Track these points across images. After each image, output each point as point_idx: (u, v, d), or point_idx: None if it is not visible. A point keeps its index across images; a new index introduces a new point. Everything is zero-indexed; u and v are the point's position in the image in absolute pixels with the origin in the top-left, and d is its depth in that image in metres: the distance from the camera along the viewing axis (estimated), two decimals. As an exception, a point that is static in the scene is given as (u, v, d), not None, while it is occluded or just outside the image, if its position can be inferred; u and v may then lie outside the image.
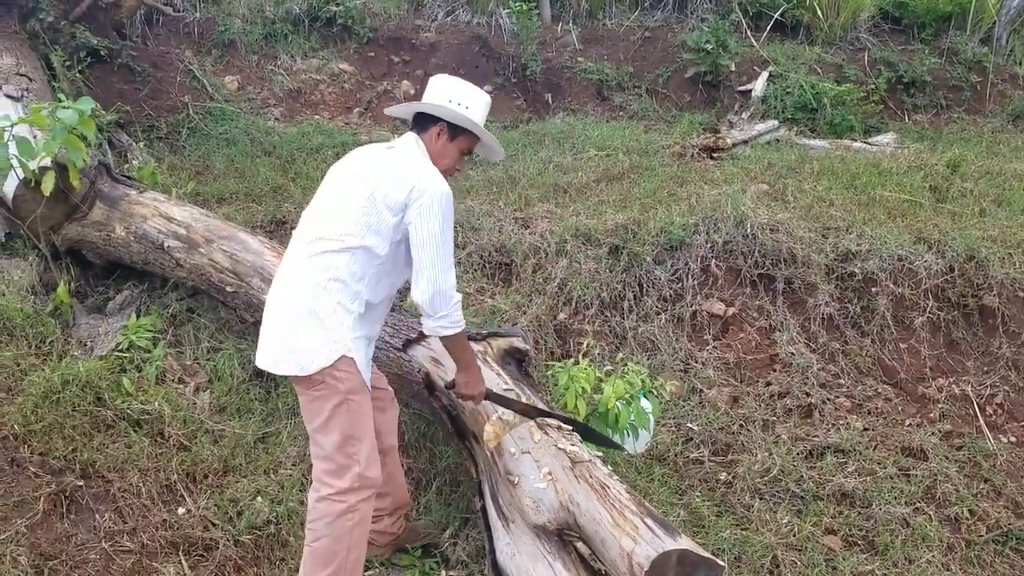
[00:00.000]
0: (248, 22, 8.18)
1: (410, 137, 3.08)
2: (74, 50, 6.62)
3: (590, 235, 5.10)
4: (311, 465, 3.02)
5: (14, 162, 4.26)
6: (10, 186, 4.54)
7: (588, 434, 3.32)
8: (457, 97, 3.04)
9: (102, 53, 6.84)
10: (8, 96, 5.30)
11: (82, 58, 6.64)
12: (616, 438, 3.67)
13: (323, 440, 2.89)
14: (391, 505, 3.36)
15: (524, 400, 3.25)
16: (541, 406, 3.29)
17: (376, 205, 2.86)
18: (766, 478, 3.99)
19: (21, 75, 5.63)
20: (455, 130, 3.06)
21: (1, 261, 4.81)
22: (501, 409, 3.21)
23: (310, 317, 2.82)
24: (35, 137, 4.50)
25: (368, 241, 2.85)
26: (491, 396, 3.22)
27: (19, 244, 4.91)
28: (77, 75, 6.43)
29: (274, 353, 2.89)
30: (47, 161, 4.35)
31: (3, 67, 5.62)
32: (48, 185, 4.27)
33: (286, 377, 3.05)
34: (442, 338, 3.00)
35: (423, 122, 3.08)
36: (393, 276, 3.00)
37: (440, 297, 2.87)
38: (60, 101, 4.41)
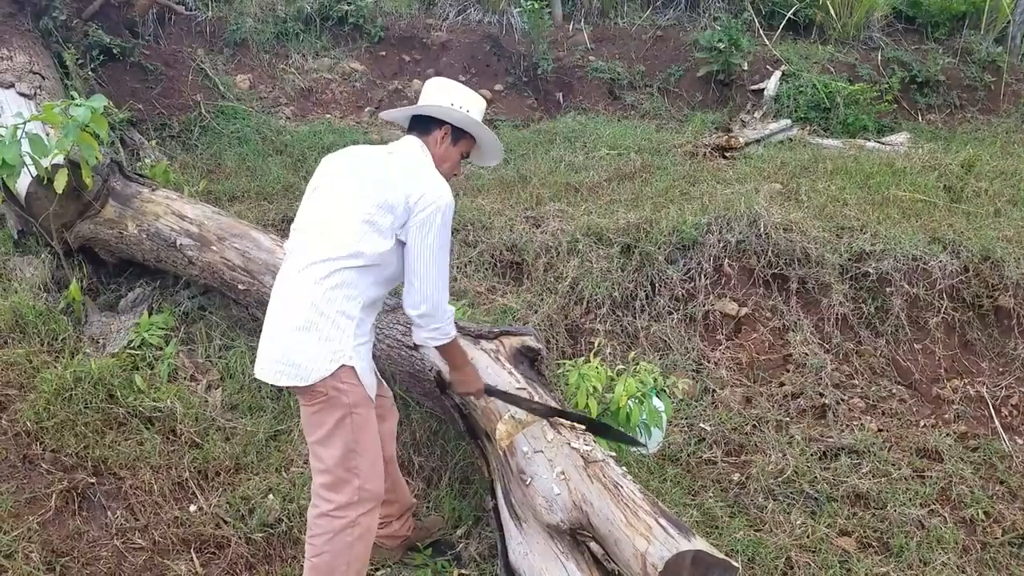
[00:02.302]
0: (260, 21, 8.19)
1: (412, 141, 3.02)
2: (87, 48, 6.64)
3: (602, 234, 5.08)
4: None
5: (27, 160, 4.27)
6: (23, 184, 4.55)
7: (601, 431, 3.29)
8: (459, 100, 3.02)
9: (115, 51, 6.86)
10: (21, 94, 5.32)
11: (95, 56, 6.67)
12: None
13: (324, 453, 2.84)
14: (398, 510, 3.35)
15: (536, 399, 3.23)
16: (553, 404, 3.26)
17: (381, 212, 2.80)
18: (780, 479, 3.97)
19: (34, 73, 5.64)
20: (457, 133, 3.05)
21: (14, 259, 4.83)
22: (514, 408, 3.20)
23: (311, 328, 2.76)
24: (48, 135, 4.51)
25: (372, 247, 2.79)
26: (493, 392, 3.20)
27: (32, 242, 4.93)
28: (90, 73, 6.45)
29: (274, 365, 2.83)
30: (60, 159, 4.36)
31: (16, 65, 5.64)
32: (61, 183, 4.27)
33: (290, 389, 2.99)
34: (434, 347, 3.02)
35: (424, 125, 3.04)
36: (392, 280, 2.94)
37: (433, 312, 2.86)
38: (73, 99, 4.42)
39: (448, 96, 3.03)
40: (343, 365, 2.77)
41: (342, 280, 2.78)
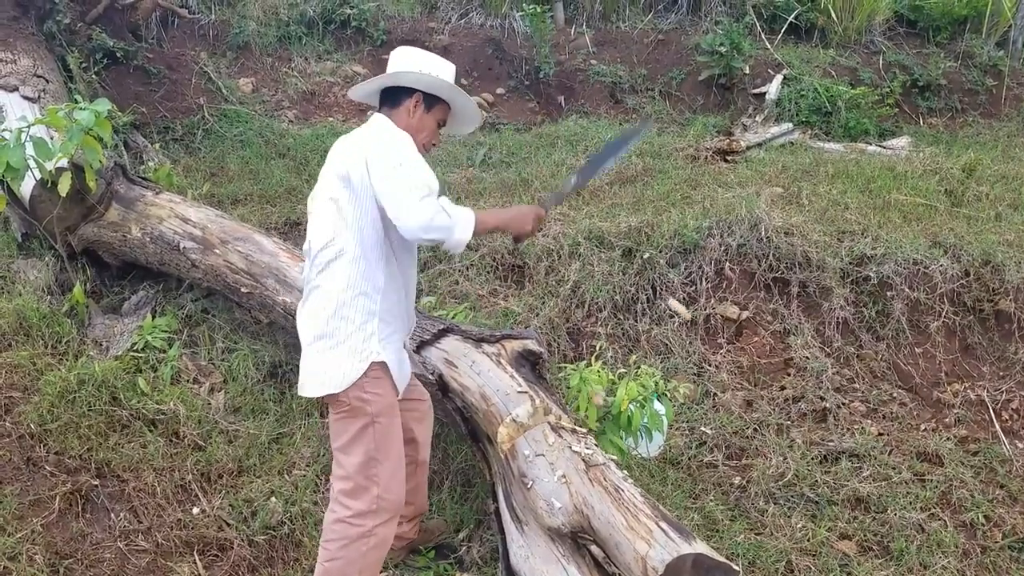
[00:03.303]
0: (262, 24, 8.21)
1: (378, 116, 2.94)
2: (90, 52, 6.66)
3: (603, 238, 5.10)
4: (326, 468, 3.02)
5: (31, 163, 4.29)
6: (27, 187, 4.57)
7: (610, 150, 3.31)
8: (427, 66, 2.92)
9: (118, 55, 6.88)
10: (25, 97, 5.34)
11: (98, 60, 6.69)
12: (629, 440, 3.67)
13: (345, 460, 2.87)
14: (412, 512, 3.35)
15: (539, 402, 3.24)
16: (552, 415, 3.26)
17: (348, 188, 2.75)
18: (780, 483, 3.97)
19: (38, 76, 5.67)
20: (430, 100, 2.94)
21: (18, 261, 4.85)
22: (515, 411, 3.21)
23: (332, 335, 2.79)
24: (52, 138, 4.53)
25: (357, 232, 2.75)
26: (551, 201, 3.22)
27: (36, 244, 4.95)
28: (93, 76, 6.47)
29: (306, 377, 2.88)
30: (64, 162, 4.38)
31: (20, 68, 5.66)
32: (65, 186, 4.29)
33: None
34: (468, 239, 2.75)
35: (393, 98, 2.93)
36: (401, 253, 2.88)
37: (428, 220, 2.61)
38: (76, 102, 4.43)
39: (415, 63, 2.93)
40: (372, 363, 2.78)
41: (346, 276, 2.78)
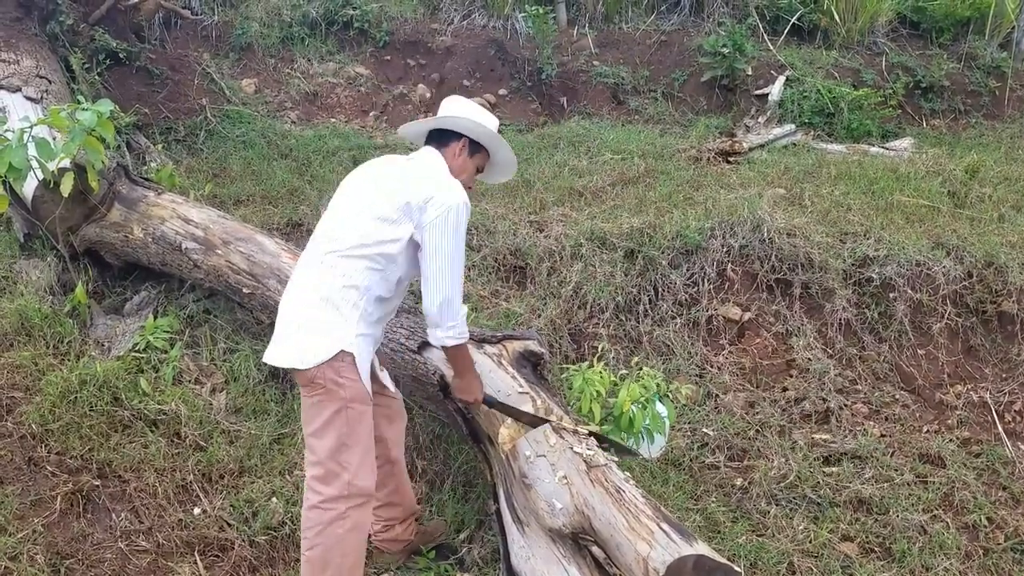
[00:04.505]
0: (265, 25, 8.22)
1: (431, 151, 3.15)
2: (93, 52, 6.66)
3: (605, 239, 5.09)
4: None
5: (34, 163, 4.29)
6: (30, 187, 4.57)
7: (601, 441, 3.31)
8: (476, 116, 3.16)
9: (121, 55, 6.89)
10: (28, 98, 5.35)
11: (101, 60, 6.69)
12: (631, 443, 3.66)
13: (317, 445, 2.91)
14: (402, 514, 3.38)
15: (540, 403, 3.24)
16: (553, 416, 3.25)
17: (397, 212, 2.91)
18: (782, 484, 3.97)
19: (41, 77, 5.68)
20: (474, 147, 3.17)
21: (20, 262, 4.85)
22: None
23: (314, 314, 2.88)
24: (54, 139, 4.53)
25: (383, 248, 2.91)
26: (490, 403, 3.25)
27: (38, 245, 4.95)
28: (96, 77, 6.47)
29: (278, 348, 2.94)
30: (66, 162, 4.38)
31: (23, 69, 5.67)
32: (67, 186, 4.29)
33: (289, 371, 3.06)
34: (445, 348, 3.07)
35: (443, 138, 3.16)
36: (405, 279, 3.05)
37: (448, 308, 2.94)
38: (79, 103, 4.43)
39: (466, 111, 3.17)
40: (342, 351, 2.85)
41: (350, 271, 2.89)
